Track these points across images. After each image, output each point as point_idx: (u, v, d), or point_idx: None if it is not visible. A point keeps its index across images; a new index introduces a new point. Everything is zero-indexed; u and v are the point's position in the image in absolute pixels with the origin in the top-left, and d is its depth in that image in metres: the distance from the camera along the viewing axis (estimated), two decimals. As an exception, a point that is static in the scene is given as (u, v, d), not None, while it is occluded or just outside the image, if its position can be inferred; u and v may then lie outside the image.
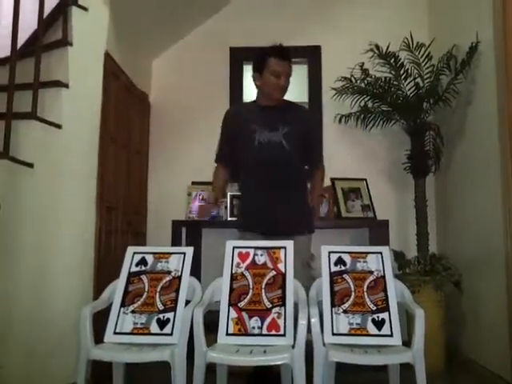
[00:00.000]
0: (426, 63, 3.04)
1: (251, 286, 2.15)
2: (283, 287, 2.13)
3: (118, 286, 2.20)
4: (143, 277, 2.22)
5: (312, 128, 2.63)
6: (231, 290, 2.15)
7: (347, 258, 2.26)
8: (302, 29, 3.65)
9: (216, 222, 3.26)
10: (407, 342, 2.02)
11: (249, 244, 2.28)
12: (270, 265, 2.20)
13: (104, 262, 2.69)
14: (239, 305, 2.11)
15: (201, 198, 3.29)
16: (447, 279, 2.76)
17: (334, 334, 2.03)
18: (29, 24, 2.47)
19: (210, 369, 1.97)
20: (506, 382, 2.36)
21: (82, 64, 2.54)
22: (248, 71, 3.77)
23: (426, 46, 3.03)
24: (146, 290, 2.18)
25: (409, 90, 3.06)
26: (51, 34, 2.60)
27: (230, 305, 2.11)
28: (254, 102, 2.57)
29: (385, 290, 2.14)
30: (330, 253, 2.27)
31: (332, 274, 2.20)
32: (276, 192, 2.41)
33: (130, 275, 2.23)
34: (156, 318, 2.09)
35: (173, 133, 3.69)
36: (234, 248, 2.26)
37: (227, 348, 1.97)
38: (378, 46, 3.03)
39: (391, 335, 2.03)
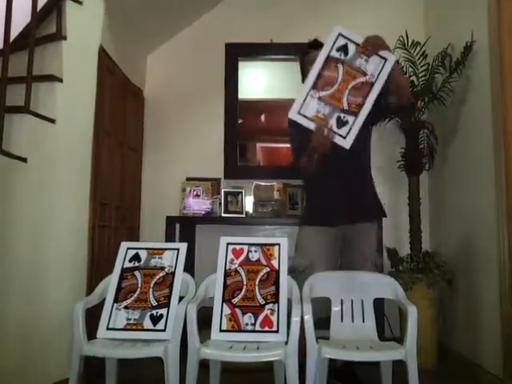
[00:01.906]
0: (421, 61, 3.05)
1: (245, 283, 2.15)
2: (277, 284, 2.14)
3: (111, 282, 2.20)
4: (136, 273, 2.22)
5: None
6: (225, 286, 2.15)
7: None
8: (298, 25, 3.63)
9: (210, 217, 3.27)
10: (400, 339, 2.03)
11: (243, 240, 2.28)
12: (263, 261, 2.20)
13: (97, 258, 2.68)
14: (233, 301, 2.11)
15: (195, 193, 3.29)
16: (440, 277, 2.78)
17: None
18: (22, 17, 2.44)
19: (204, 365, 1.98)
20: (498, 379, 2.38)
21: (77, 58, 2.52)
22: (243, 67, 3.81)
23: (422, 45, 3.03)
24: (140, 285, 2.18)
25: (404, 87, 3.06)
26: (45, 27, 2.57)
27: (223, 301, 2.11)
28: None
29: None
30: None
31: None
32: (344, 180, 2.34)
33: (124, 271, 2.23)
34: (149, 313, 2.09)
35: (167, 128, 3.68)
36: (227, 244, 2.26)
37: (221, 344, 1.97)
38: (373, 44, 3.03)
39: None
